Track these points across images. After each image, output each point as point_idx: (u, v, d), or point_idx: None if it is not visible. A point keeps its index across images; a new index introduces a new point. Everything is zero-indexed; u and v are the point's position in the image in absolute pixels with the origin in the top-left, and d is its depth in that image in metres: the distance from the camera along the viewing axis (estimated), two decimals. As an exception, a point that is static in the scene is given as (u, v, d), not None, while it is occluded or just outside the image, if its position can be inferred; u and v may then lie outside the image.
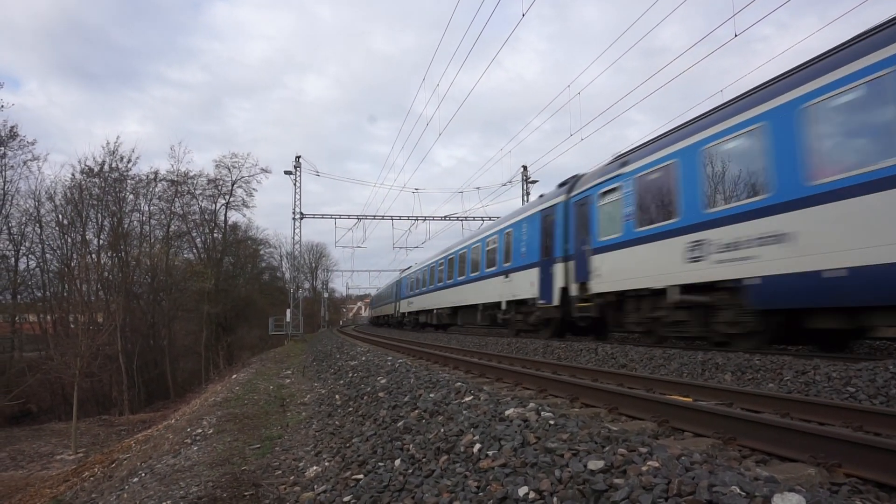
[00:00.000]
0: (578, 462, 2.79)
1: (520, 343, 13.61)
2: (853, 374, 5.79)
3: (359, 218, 39.19)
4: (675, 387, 5.98)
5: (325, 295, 77.01)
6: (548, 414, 3.82)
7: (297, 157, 37.46)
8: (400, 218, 39.24)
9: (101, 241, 39.27)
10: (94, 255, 38.15)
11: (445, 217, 39.51)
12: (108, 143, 44.57)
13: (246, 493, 4.36)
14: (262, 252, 55.76)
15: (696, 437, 3.71)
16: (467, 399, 4.73)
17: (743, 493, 2.17)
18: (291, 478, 4.71)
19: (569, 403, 5.16)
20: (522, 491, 2.75)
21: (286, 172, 37.51)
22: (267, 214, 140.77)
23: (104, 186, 38.80)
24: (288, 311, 38.00)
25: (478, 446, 3.52)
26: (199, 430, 7.47)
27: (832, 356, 7.47)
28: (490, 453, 3.35)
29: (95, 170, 38.45)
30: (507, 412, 4.02)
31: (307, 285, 74.39)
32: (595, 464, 2.73)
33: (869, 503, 2.48)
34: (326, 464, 4.81)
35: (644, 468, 2.54)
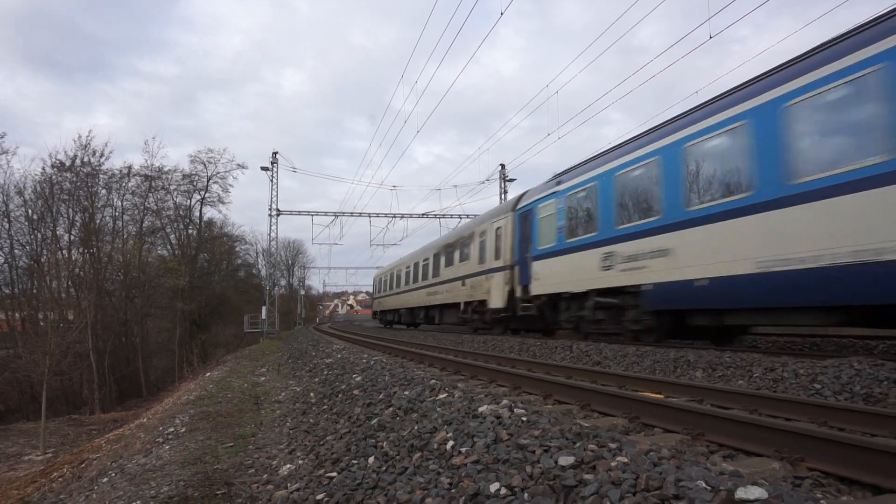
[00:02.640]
0: (549, 458, 2.82)
1: (495, 341, 13.67)
2: (819, 371, 5.93)
3: (336, 215, 38.96)
4: (648, 384, 6.06)
5: (302, 292, 76.47)
6: (520, 411, 3.84)
7: (274, 153, 37.11)
8: (377, 215, 39.13)
9: (71, 237, 38.44)
10: (64, 251, 37.36)
11: (423, 215, 39.53)
12: (79, 137, 43.49)
13: (218, 492, 4.31)
14: (237, 249, 55.19)
15: (665, 432, 3.77)
16: (441, 396, 4.75)
17: (708, 488, 2.22)
18: (264, 476, 4.67)
19: (542, 400, 5.20)
20: (494, 487, 2.77)
21: (263, 168, 37.15)
22: (243, 210, 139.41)
23: (76, 181, 37.96)
24: (263, 308, 37.65)
25: (451, 443, 3.54)
26: (172, 429, 7.37)
27: (800, 354, 7.64)
28: (463, 450, 3.36)
29: (67, 164, 37.59)
30: (480, 409, 4.04)
31: (283, 282, 73.84)
32: (566, 459, 2.76)
33: (830, 496, 2.54)
34: (300, 462, 4.79)
35: (613, 463, 2.58)
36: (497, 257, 17.24)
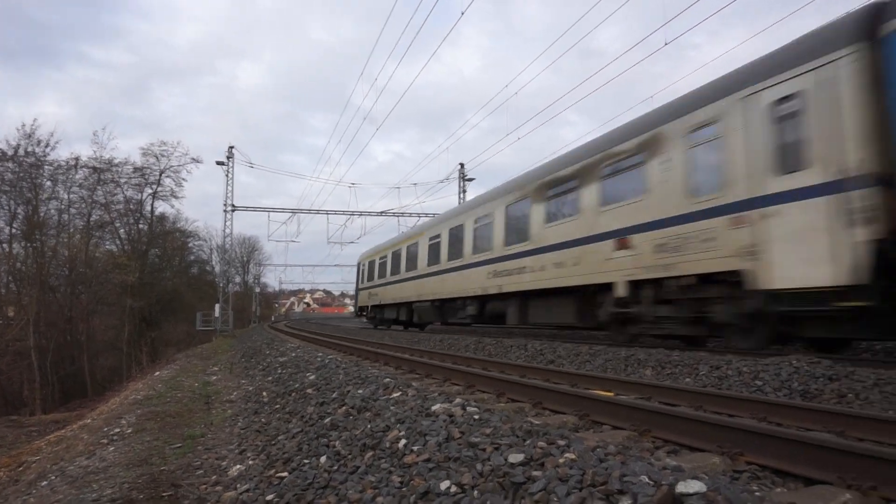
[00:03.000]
0: (500, 455, 2.85)
1: (451, 340, 13.72)
2: (761, 369, 6.16)
3: (293, 212, 38.46)
4: (599, 382, 6.19)
5: (257, 290, 75.12)
6: (473, 409, 3.88)
7: (230, 148, 36.43)
8: (336, 212, 38.80)
9: (13, 230, 36.75)
10: (5, 245, 35.73)
11: (382, 213, 39.34)
12: (23, 126, 41.60)
13: (164, 494, 4.21)
14: (190, 244, 53.73)
15: (614, 429, 3.86)
16: (395, 395, 4.74)
17: (651, 482, 2.28)
18: (213, 477, 4.58)
19: (495, 398, 5.25)
20: (444, 485, 2.79)
21: (218, 163, 36.38)
22: (197, 206, 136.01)
23: (18, 172, 36.22)
24: (217, 305, 36.85)
25: (403, 442, 3.54)
26: (117, 430, 7.14)
27: (744, 352, 7.91)
28: (415, 448, 3.37)
29: (9, 153, 35.87)
30: (433, 408, 4.05)
31: (238, 280, 72.38)
32: (515, 457, 2.80)
33: (765, 488, 2.65)
34: (250, 462, 4.71)
35: (561, 460, 2.63)
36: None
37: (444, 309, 18.78)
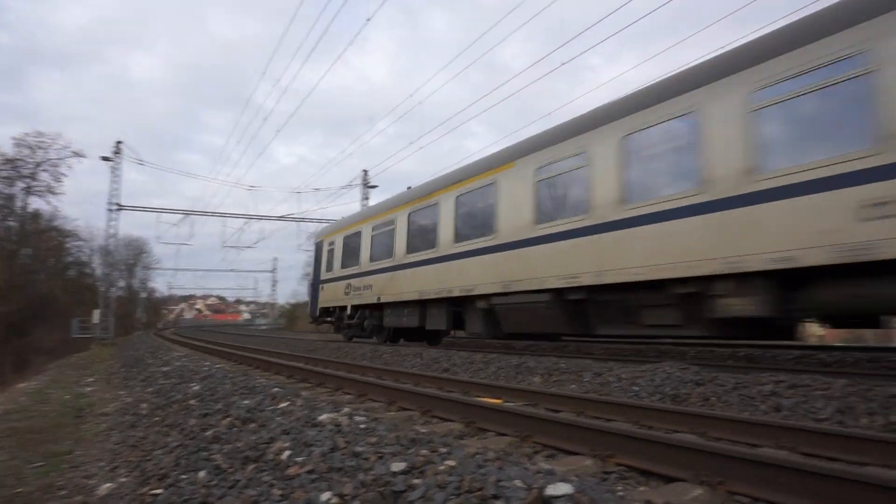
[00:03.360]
0: (383, 465, 2.86)
1: (348, 347, 13.56)
2: (638, 375, 6.57)
3: (186, 213, 36.51)
4: (491, 389, 6.35)
5: (144, 294, 70.59)
6: (361, 418, 3.86)
7: (118, 143, 34.04)
8: (232, 216, 37.31)
9: None
10: None
11: (282, 217, 38.25)
12: None
13: (19, 518, 3.85)
14: (68, 245, 49.63)
15: (498, 436, 3.97)
16: (283, 405, 4.63)
17: (524, 486, 2.38)
18: (79, 497, 4.25)
19: (386, 407, 5.25)
20: (325, 496, 2.76)
21: (104, 158, 33.88)
22: (79, 203, 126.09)
23: None
24: (96, 311, 34.26)
25: (287, 453, 3.46)
26: (-33, 449, 6.45)
27: (624, 359, 8.40)
28: (299, 460, 3.31)
29: None
30: (320, 418, 4.00)
31: (122, 283, 67.62)
32: (397, 465, 2.82)
33: (630, 487, 2.83)
34: (123, 479, 4.42)
35: (441, 467, 2.68)
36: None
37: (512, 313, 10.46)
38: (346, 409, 4.16)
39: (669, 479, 2.95)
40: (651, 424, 4.58)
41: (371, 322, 16.24)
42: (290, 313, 57.27)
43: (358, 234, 17.00)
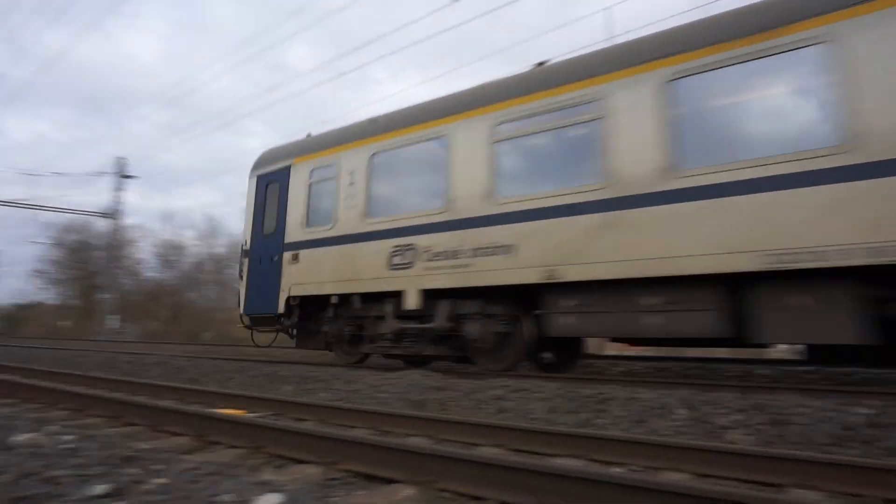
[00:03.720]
0: (81, 489, 2.60)
1: (80, 357, 11.99)
2: (386, 382, 6.87)
3: None
4: (236, 400, 6.11)
5: None
6: (69, 437, 3.46)
7: None
8: (-66, 195, 30.45)
9: None
10: None
11: (9, 203, 32.29)
12: None
13: None
14: None
15: (228, 448, 3.85)
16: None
17: (236, 500, 2.36)
18: None
19: (108, 423, 4.76)
20: (1, 531, 2.42)
21: None
22: None
23: None
24: None
25: (-42, 485, 2.95)
26: None
27: (375, 368, 8.74)
28: (-28, 491, 2.84)
29: None
30: (18, 438, 3.49)
31: None
32: (100, 488, 2.59)
33: (348, 492, 2.96)
34: None
35: (150, 486, 2.53)
36: None
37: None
38: (54, 427, 3.69)
39: (390, 482, 3.15)
40: (389, 430, 4.83)
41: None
42: (12, 316, 48.68)
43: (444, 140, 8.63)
